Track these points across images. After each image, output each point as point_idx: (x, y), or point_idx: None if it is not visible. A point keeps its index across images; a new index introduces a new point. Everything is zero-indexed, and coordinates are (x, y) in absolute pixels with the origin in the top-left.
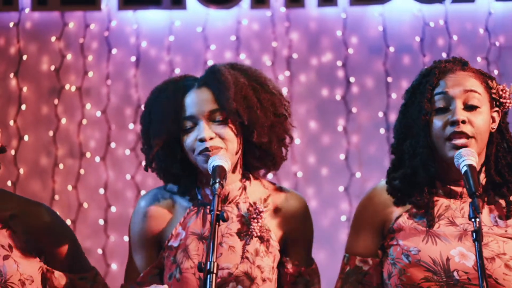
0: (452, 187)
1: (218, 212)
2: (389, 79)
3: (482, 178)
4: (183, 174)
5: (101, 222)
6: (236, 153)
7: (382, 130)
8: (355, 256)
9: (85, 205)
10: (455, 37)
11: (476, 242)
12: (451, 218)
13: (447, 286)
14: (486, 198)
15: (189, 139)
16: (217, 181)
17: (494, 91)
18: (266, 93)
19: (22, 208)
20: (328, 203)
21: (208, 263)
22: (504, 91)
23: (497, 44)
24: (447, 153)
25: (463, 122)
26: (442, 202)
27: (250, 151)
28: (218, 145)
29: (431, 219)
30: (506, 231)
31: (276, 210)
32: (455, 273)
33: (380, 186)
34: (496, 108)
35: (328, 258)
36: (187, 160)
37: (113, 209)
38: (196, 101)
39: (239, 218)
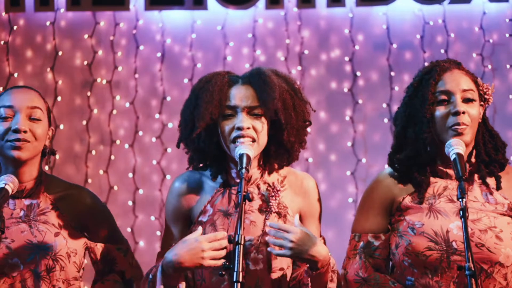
0: (448, 170)
1: (244, 193)
2: (392, 73)
3: (474, 162)
4: (214, 155)
5: (130, 203)
6: (263, 145)
7: (385, 120)
8: (367, 234)
9: (115, 188)
10: (452, 35)
11: (462, 219)
12: (450, 196)
13: (447, 254)
14: (478, 176)
15: (228, 126)
16: (244, 166)
17: (481, 88)
18: (299, 100)
19: (68, 192)
20: (336, 186)
21: (237, 235)
22: (487, 88)
23: (491, 41)
24: (448, 138)
25: (463, 113)
26: (440, 183)
27: (271, 147)
28: (252, 135)
29: (422, 197)
30: (496, 207)
31: (292, 189)
32: (453, 243)
33: (386, 172)
34: (482, 103)
35: (336, 236)
36: (219, 144)
37: (140, 191)
38: (240, 94)
39: (260, 196)
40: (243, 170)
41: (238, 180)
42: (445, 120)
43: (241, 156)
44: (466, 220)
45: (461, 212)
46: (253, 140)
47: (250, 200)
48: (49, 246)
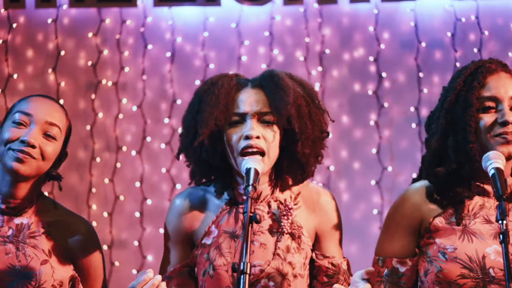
0: (485, 186)
1: (251, 214)
2: (421, 74)
3: None
4: (219, 168)
5: (137, 214)
6: (275, 158)
7: (413, 125)
8: (391, 258)
9: (122, 197)
10: (486, 32)
11: (502, 244)
12: (486, 216)
13: (483, 282)
14: None
15: (235, 135)
16: (250, 183)
17: None
18: (316, 108)
19: (63, 218)
20: (360, 196)
21: (242, 263)
22: None
23: None
24: (494, 148)
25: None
26: (476, 201)
27: (283, 161)
28: (261, 146)
29: (460, 217)
30: None
31: (307, 206)
32: (490, 270)
33: (414, 187)
34: None
35: (360, 251)
36: (224, 156)
37: (148, 201)
38: (250, 99)
39: (270, 215)
40: (250, 188)
41: (244, 197)
42: (490, 130)
43: (248, 170)
44: (507, 245)
45: (500, 236)
46: (262, 152)
47: (258, 222)
48: (33, 274)
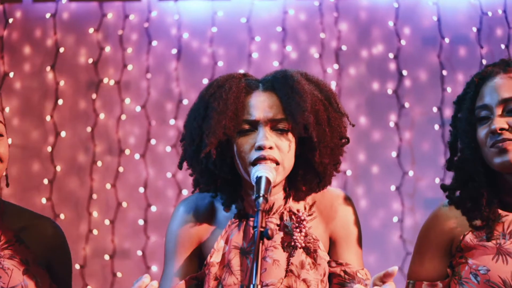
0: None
1: (262, 229)
2: (444, 72)
3: None
4: (227, 179)
5: (141, 222)
6: (289, 169)
7: (436, 126)
8: (422, 282)
9: (124, 204)
10: None
11: None
12: None
13: None
14: None
15: (246, 145)
16: (261, 194)
17: None
18: (335, 112)
19: (31, 222)
20: (378, 203)
21: (252, 286)
22: None
23: None
24: (493, 161)
25: (501, 130)
26: (511, 219)
27: (298, 169)
28: (275, 156)
29: (490, 233)
30: None
31: (323, 215)
32: None
33: (445, 204)
34: None
35: (378, 261)
36: (233, 165)
37: (153, 208)
38: (262, 105)
39: (282, 228)
40: (260, 199)
41: (255, 209)
42: (485, 141)
43: (258, 179)
44: None
45: None
46: (277, 163)
47: (270, 238)
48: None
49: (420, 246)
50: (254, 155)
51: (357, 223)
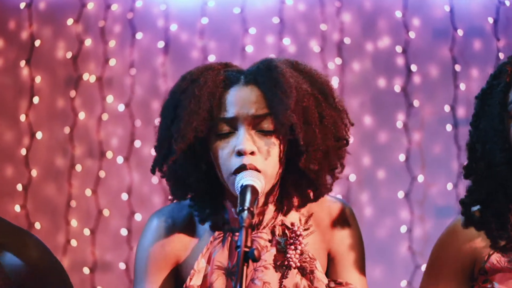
0: None
1: (247, 249)
2: (457, 67)
3: None
4: (203, 189)
5: (124, 232)
6: (276, 178)
7: (448, 127)
8: None
9: (106, 212)
10: None
11: None
12: None
13: None
14: None
15: (225, 150)
16: (246, 207)
17: None
18: (329, 109)
19: (9, 240)
20: (385, 211)
21: None
22: None
23: None
24: None
25: None
26: None
27: (289, 176)
28: (257, 165)
29: None
30: None
31: (321, 229)
32: None
33: (463, 218)
34: None
35: (385, 275)
36: (212, 171)
37: (137, 217)
38: (241, 100)
39: (274, 245)
40: (245, 214)
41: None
42: None
43: (243, 189)
44: None
45: None
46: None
47: (255, 260)
48: None
49: (434, 267)
50: (234, 163)
51: (359, 237)
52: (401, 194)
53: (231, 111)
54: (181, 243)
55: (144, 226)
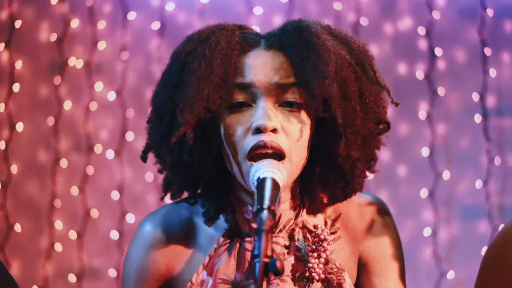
0: None
1: (266, 260)
2: (487, 51)
3: None
4: (211, 178)
5: (115, 235)
6: (301, 164)
7: (477, 118)
8: None
9: (94, 213)
10: None
11: None
12: None
13: None
14: None
15: (240, 127)
16: (265, 206)
17: None
18: (370, 83)
19: None
20: (407, 211)
21: None
22: None
23: None
24: None
25: None
26: None
27: (313, 166)
28: (280, 144)
29: None
30: None
31: (349, 232)
32: None
33: None
34: None
35: (407, 283)
36: (219, 157)
37: (130, 218)
38: (262, 66)
39: (293, 252)
40: (264, 214)
41: (255, 226)
42: None
43: (261, 183)
44: None
45: None
46: (281, 155)
47: (278, 273)
48: None
49: (486, 275)
50: (251, 141)
51: (397, 240)
52: (424, 193)
53: (248, 77)
54: (177, 253)
55: (135, 232)
